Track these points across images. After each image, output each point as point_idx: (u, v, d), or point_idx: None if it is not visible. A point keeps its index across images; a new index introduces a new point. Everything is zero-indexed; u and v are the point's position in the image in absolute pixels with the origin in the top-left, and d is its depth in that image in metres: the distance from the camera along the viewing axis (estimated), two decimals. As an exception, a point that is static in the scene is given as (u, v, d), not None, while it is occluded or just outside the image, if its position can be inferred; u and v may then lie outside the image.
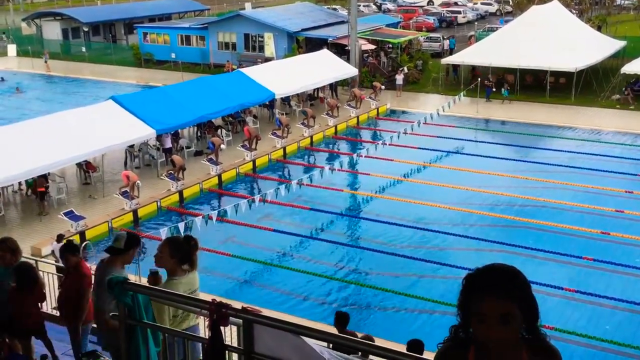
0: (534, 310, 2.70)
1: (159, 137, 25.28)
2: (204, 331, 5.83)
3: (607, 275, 17.10)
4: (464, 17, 62.13)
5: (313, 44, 42.05)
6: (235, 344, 4.12)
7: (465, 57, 38.14)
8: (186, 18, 57.85)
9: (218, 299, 3.89)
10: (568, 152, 27.20)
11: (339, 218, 21.58)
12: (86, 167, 24.11)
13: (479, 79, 34.53)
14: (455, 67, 39.47)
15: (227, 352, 3.93)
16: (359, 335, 9.83)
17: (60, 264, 11.55)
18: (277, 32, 43.00)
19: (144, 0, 64.00)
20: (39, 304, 8.34)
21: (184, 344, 4.60)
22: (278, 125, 28.71)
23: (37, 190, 21.18)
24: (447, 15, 61.68)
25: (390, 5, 70.64)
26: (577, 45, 35.29)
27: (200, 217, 18.96)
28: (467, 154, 27.39)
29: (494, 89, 35.25)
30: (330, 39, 41.31)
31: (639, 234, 19.11)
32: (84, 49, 52.40)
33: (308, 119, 29.93)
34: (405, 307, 15.90)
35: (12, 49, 51.81)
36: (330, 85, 36.31)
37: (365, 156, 25.63)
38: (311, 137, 29.38)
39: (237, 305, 3.80)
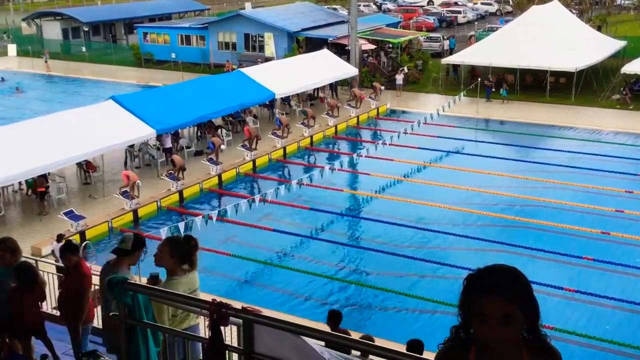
0: (534, 310, 2.70)
1: (159, 137, 25.28)
2: (204, 331, 5.83)
3: (607, 275, 17.10)
4: (464, 17, 62.13)
5: (313, 44, 42.05)
6: (235, 344, 4.12)
7: (466, 57, 38.14)
8: (186, 18, 57.86)
9: (218, 298, 3.89)
10: (568, 152, 27.19)
11: (339, 218, 21.57)
12: (86, 167, 24.12)
13: (479, 79, 34.52)
14: (456, 67, 39.47)
15: (227, 352, 3.93)
16: (359, 335, 9.84)
17: (61, 264, 11.55)
18: (277, 32, 43.00)
19: (144, 0, 64.00)
20: (39, 304, 8.34)
21: (184, 344, 4.60)
22: (278, 125, 28.71)
23: (37, 190, 21.19)
24: (447, 15, 61.68)
25: (390, 5, 70.64)
26: (577, 45, 35.29)
27: (200, 217, 18.96)
28: (467, 154, 27.39)
29: (494, 89, 35.26)
30: (331, 39, 41.32)
31: (639, 233, 19.11)
32: (84, 49, 52.41)
33: (308, 118, 29.93)
34: (405, 307, 15.89)
35: (12, 48, 51.81)
36: (331, 85, 36.32)
37: (365, 156, 25.63)
38: (311, 137, 29.38)
39: (237, 305, 3.80)
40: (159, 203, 22.08)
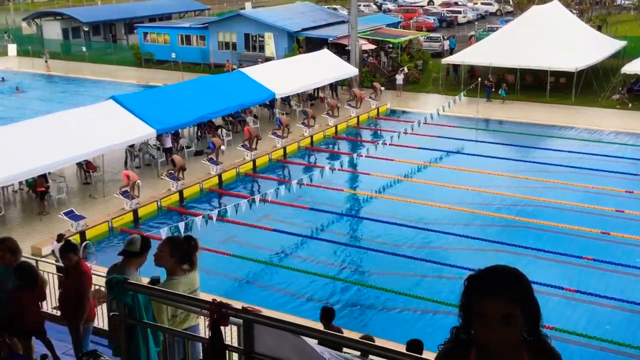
0: (535, 311, 2.70)
1: (159, 137, 25.28)
2: (204, 331, 5.83)
3: (607, 275, 17.09)
4: (464, 17, 62.14)
5: (313, 44, 42.05)
6: (235, 344, 4.12)
7: (466, 57, 38.14)
8: (186, 18, 57.87)
9: (218, 298, 3.89)
10: (568, 152, 27.19)
11: (339, 218, 21.57)
12: (86, 167, 24.12)
13: (479, 79, 34.51)
14: (456, 67, 39.48)
15: (227, 352, 3.93)
16: (359, 335, 9.84)
17: (61, 264, 11.55)
18: (278, 32, 43.00)
19: (144, 0, 64.01)
20: (40, 304, 8.34)
21: (184, 344, 4.60)
22: (278, 125, 28.71)
23: (37, 190, 21.19)
24: (448, 15, 61.68)
25: (390, 5, 70.65)
26: (578, 45, 35.29)
27: (201, 216, 18.97)
28: (467, 154, 27.39)
29: (494, 89, 35.26)
30: (331, 39, 41.32)
31: (639, 233, 19.11)
32: (84, 49, 52.40)
33: (308, 118, 29.93)
34: (406, 307, 15.88)
35: (12, 48, 51.81)
36: (331, 85, 36.32)
37: (365, 156, 25.64)
38: (311, 137, 29.37)
39: (238, 305, 3.81)
40: (159, 203, 22.08)
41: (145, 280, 6.57)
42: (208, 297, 4.30)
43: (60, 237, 16.74)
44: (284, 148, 27.79)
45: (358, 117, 32.77)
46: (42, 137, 21.17)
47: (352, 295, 16.59)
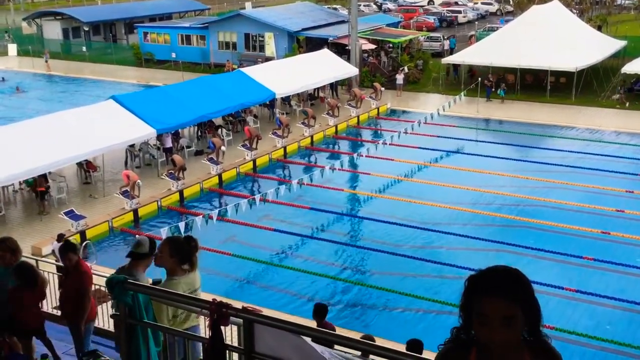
0: (536, 312, 2.70)
1: (159, 137, 25.27)
2: (204, 331, 5.83)
3: (608, 275, 17.09)
4: (464, 16, 62.14)
5: (313, 44, 42.05)
6: (235, 344, 4.12)
7: (466, 56, 38.13)
8: (186, 17, 57.87)
9: (218, 298, 3.90)
10: (568, 151, 27.18)
11: (339, 218, 21.56)
12: (87, 167, 24.13)
13: (479, 79, 34.51)
14: (456, 67, 39.48)
15: (227, 351, 3.93)
16: (360, 335, 9.83)
17: (61, 264, 11.55)
18: (278, 32, 43.00)
19: (144, 0, 64.02)
20: (40, 304, 8.34)
21: (185, 344, 4.61)
22: (278, 125, 28.70)
23: (37, 189, 21.19)
24: (448, 14, 61.68)
25: (390, 5, 70.62)
26: (578, 45, 35.28)
27: (201, 216, 18.97)
28: (467, 154, 27.39)
29: (494, 89, 35.27)
30: (331, 39, 41.32)
31: (639, 233, 19.10)
32: (84, 49, 52.41)
33: (308, 118, 29.93)
34: (406, 307, 15.87)
35: (12, 48, 51.82)
36: (331, 84, 36.33)
37: (365, 156, 25.64)
38: (312, 136, 29.37)
39: (238, 304, 3.81)
40: (159, 203, 22.08)
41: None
42: (208, 297, 4.30)
43: (60, 237, 16.73)
44: (284, 148, 27.78)
45: (358, 116, 32.76)
46: (43, 136, 21.16)
47: (353, 295, 16.57)
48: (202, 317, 5.64)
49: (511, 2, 67.07)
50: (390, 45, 43.72)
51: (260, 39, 44.26)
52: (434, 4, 70.96)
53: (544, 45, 34.88)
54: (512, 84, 36.08)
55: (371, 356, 3.56)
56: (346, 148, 29.43)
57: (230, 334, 4.65)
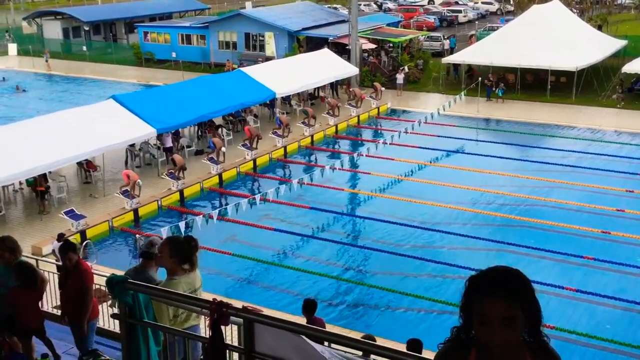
0: (536, 312, 2.69)
1: (159, 136, 25.27)
2: (204, 330, 5.83)
3: (608, 274, 17.08)
4: (464, 16, 62.13)
5: (314, 43, 42.05)
6: (235, 344, 4.12)
7: (466, 56, 38.12)
8: (187, 17, 57.86)
9: (219, 298, 3.89)
10: (569, 151, 27.18)
11: (339, 217, 21.56)
12: (87, 166, 24.12)
13: (480, 79, 34.50)
14: (456, 67, 39.47)
15: (227, 351, 3.93)
16: (361, 335, 9.84)
17: (61, 263, 11.55)
18: (278, 31, 42.99)
19: (144, -1, 64.07)
20: (40, 303, 8.35)
21: (185, 343, 4.60)
22: (279, 125, 28.71)
23: (37, 189, 21.19)
24: (448, 14, 61.68)
25: (391, 5, 70.61)
26: (578, 45, 35.27)
27: (201, 216, 18.98)
28: (467, 154, 27.40)
29: (494, 89, 35.26)
30: (331, 38, 41.31)
31: (639, 233, 19.09)
32: (84, 48, 52.42)
33: (309, 118, 29.93)
34: (407, 307, 15.86)
35: (12, 48, 51.83)
36: (331, 84, 36.33)
37: (366, 155, 25.65)
38: (312, 136, 29.37)
39: (238, 304, 3.81)
40: (159, 202, 22.08)
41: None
42: (208, 297, 4.30)
43: (60, 237, 16.73)
44: (285, 147, 27.78)
45: (358, 116, 32.76)
46: (43, 136, 21.16)
47: (354, 296, 16.56)
48: (203, 316, 5.64)
49: (511, 2, 67.02)
50: (391, 44, 43.71)
51: (261, 38, 44.26)
52: (434, 4, 70.93)
53: (544, 45, 34.87)
54: (513, 83, 36.07)
55: (372, 356, 3.55)
56: (346, 148, 29.43)
57: (231, 334, 4.65)
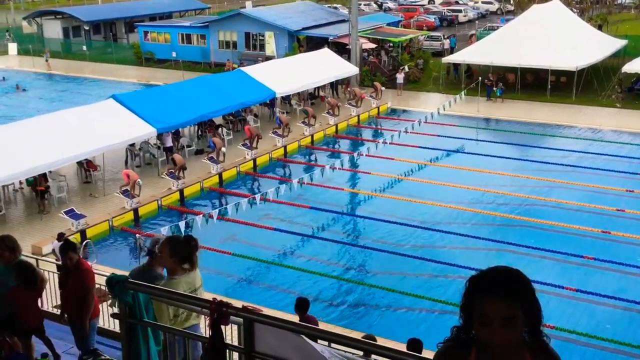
0: (536, 312, 2.69)
1: (159, 136, 25.27)
2: (204, 330, 5.83)
3: (608, 274, 17.08)
4: (464, 16, 62.12)
5: (314, 43, 42.05)
6: (236, 343, 4.12)
7: (466, 56, 38.12)
8: (187, 17, 57.86)
9: (219, 297, 3.89)
10: (569, 151, 27.17)
11: (339, 217, 21.56)
12: (87, 166, 24.12)
13: (479, 78, 34.49)
14: (456, 66, 39.47)
15: (227, 351, 3.93)
16: (361, 335, 9.84)
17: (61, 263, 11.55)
18: (278, 31, 42.99)
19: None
20: (39, 302, 8.35)
21: (185, 343, 4.60)
22: (279, 124, 28.70)
23: (38, 189, 21.18)
24: (448, 14, 61.67)
25: (391, 4, 70.57)
26: (578, 44, 35.26)
27: (201, 215, 18.97)
28: (468, 153, 27.39)
29: (494, 88, 35.26)
30: (331, 38, 41.30)
31: (639, 232, 19.09)
32: (84, 48, 52.42)
33: (309, 117, 29.92)
34: (408, 306, 15.86)
35: (12, 47, 51.82)
36: (331, 84, 36.34)
37: (366, 155, 25.64)
38: (312, 136, 29.36)
39: (238, 304, 3.80)
40: (159, 202, 22.08)
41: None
42: (208, 296, 4.30)
43: (60, 236, 16.73)
44: (285, 147, 27.78)
45: (358, 116, 32.75)
46: (43, 136, 21.16)
47: (355, 295, 16.55)
48: (203, 316, 5.64)
49: (512, 1, 67.02)
50: (391, 44, 43.70)
51: (261, 38, 44.26)
52: (434, 3, 70.93)
53: (544, 45, 34.87)
54: (513, 83, 36.06)
55: (373, 356, 3.55)
56: (346, 147, 29.43)
57: (231, 333, 4.65)
